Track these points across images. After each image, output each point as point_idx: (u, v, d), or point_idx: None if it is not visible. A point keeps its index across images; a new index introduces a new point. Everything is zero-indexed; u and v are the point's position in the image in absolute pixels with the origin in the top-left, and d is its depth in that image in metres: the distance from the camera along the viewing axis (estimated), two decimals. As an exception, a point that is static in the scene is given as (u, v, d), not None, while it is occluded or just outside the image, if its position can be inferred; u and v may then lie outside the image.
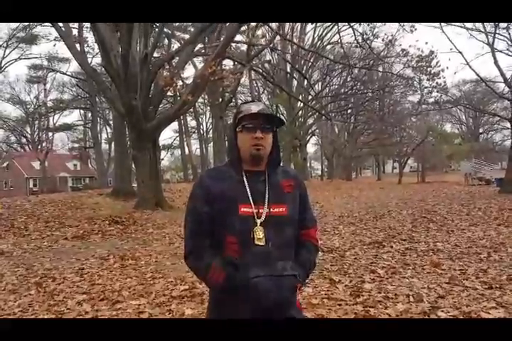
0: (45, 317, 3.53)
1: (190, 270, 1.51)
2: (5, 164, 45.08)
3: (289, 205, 1.47)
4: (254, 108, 1.46)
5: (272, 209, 1.42)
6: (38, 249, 7.02)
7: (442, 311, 3.22)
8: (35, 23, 20.71)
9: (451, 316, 3.10)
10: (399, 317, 2.96)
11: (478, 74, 16.42)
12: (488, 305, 3.30)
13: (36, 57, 35.53)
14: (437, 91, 14.88)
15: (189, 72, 47.22)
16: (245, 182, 1.44)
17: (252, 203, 1.41)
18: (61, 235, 8.18)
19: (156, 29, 12.12)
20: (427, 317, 3.13)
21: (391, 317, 3.15)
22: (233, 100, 28.76)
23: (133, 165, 14.90)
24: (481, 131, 52.01)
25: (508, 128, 23.27)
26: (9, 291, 4.43)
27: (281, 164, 1.58)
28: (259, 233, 1.38)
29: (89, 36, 14.70)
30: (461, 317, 3.08)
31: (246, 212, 1.40)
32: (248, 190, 1.43)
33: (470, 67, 15.62)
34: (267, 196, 1.43)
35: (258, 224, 1.39)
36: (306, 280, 1.61)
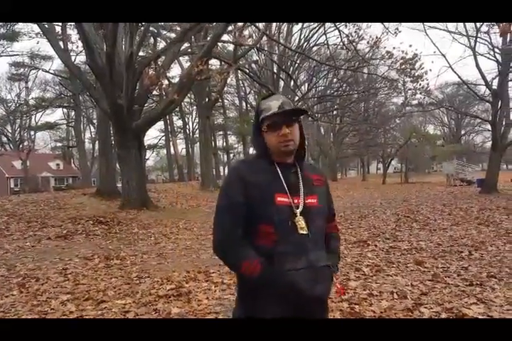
0: (29, 317, 3.46)
1: (219, 259, 1.50)
2: (-15, 163, 43.91)
3: (320, 198, 1.51)
4: (274, 104, 1.46)
5: (306, 200, 1.45)
6: (20, 249, 6.86)
7: (425, 307, 3.29)
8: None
9: (434, 312, 3.18)
10: (398, 318, 2.98)
11: (460, 77, 16.78)
12: (469, 301, 3.39)
13: (18, 55, 34.75)
14: (421, 94, 15.11)
15: (175, 72, 46.94)
16: (279, 172, 1.46)
17: (288, 193, 1.42)
18: (44, 235, 8.02)
19: (142, 28, 11.99)
20: (410, 313, 3.20)
21: (376, 313, 3.21)
22: (220, 100, 28.73)
23: (117, 165, 14.74)
24: (462, 132, 53.12)
25: (489, 130, 23.83)
26: (-10, 292, 4.33)
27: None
28: (301, 222, 1.40)
29: (73, 34, 14.50)
30: (443, 316, 3.15)
31: (282, 201, 1.41)
32: (283, 180, 1.44)
33: (452, 69, 16.01)
34: (301, 187, 1.46)
35: (299, 214, 1.41)
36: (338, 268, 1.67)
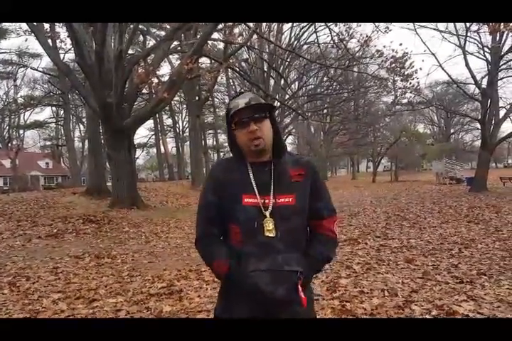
0: (20, 316, 3.45)
1: (199, 255, 1.54)
2: (-28, 162, 43.22)
3: (298, 195, 1.43)
4: (241, 102, 1.42)
5: (277, 200, 1.40)
6: (10, 248, 6.82)
7: (416, 305, 3.31)
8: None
9: (425, 309, 3.20)
10: (398, 318, 3.01)
11: (450, 76, 16.94)
12: (460, 299, 3.42)
13: (6, 52, 34.27)
14: (411, 92, 15.24)
15: (165, 70, 46.64)
16: (250, 173, 1.44)
17: (256, 194, 1.40)
18: (34, 234, 7.97)
19: (131, 26, 11.88)
20: (401, 310, 3.22)
21: (367, 310, 3.23)
22: (210, 98, 28.62)
23: (107, 164, 14.61)
24: (452, 131, 53.77)
25: (478, 129, 24.13)
26: (-20, 291, 4.29)
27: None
28: (269, 224, 1.37)
29: (62, 31, 14.31)
30: (433, 313, 3.17)
31: (250, 202, 1.39)
32: (253, 180, 1.42)
33: (442, 68, 16.13)
34: (272, 186, 1.42)
35: (268, 216, 1.37)
36: (315, 275, 1.55)
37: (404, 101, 17.82)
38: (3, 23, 26.54)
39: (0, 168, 41.81)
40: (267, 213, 1.38)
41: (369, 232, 7.40)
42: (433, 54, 15.78)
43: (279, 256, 1.37)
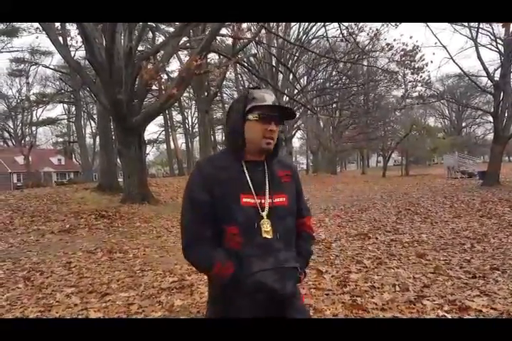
0: (34, 309, 3.53)
1: (189, 262, 1.43)
2: (-13, 159, 43.98)
3: (289, 195, 1.45)
4: (269, 98, 1.40)
5: (274, 200, 1.39)
6: (25, 243, 6.94)
7: (428, 300, 3.30)
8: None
9: (437, 304, 3.19)
10: (398, 318, 3.00)
11: (461, 69, 16.67)
12: (472, 294, 3.39)
13: (18, 51, 34.71)
14: (421, 86, 15.05)
15: (174, 66, 46.69)
16: (246, 172, 1.39)
17: (254, 193, 1.36)
18: (47, 229, 8.09)
19: (141, 22, 11.88)
20: (412, 305, 3.21)
21: (378, 305, 3.22)
22: (219, 94, 28.60)
23: (118, 160, 14.73)
24: (463, 124, 53.02)
25: (491, 122, 23.73)
26: (-3, 285, 4.40)
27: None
28: (266, 225, 1.35)
29: (72, 29, 14.40)
30: (445, 308, 3.16)
31: (248, 202, 1.35)
32: (249, 180, 1.38)
33: (454, 61, 15.88)
34: (267, 186, 1.40)
35: (265, 217, 1.35)
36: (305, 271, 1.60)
37: (415, 94, 17.61)
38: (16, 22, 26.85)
39: (14, 164, 42.53)
40: (264, 214, 1.36)
41: (379, 227, 7.37)
42: (444, 46, 15.52)
43: (280, 254, 1.37)
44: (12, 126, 44.56)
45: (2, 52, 34.08)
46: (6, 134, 45.73)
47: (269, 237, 1.35)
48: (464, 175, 24.05)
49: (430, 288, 3.65)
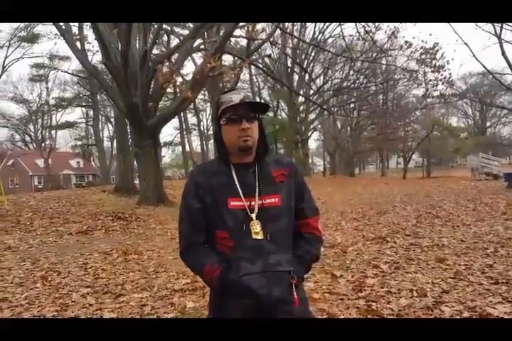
0: (51, 309, 3.59)
1: (186, 266, 1.49)
2: (10, 162, 45.46)
3: (283, 195, 1.41)
4: (236, 97, 1.38)
5: (264, 201, 1.37)
6: (43, 244, 7.08)
7: (446, 306, 3.15)
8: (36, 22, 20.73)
9: (456, 311, 3.04)
10: (398, 318, 2.90)
11: (484, 66, 16.21)
12: (494, 300, 3.23)
13: (38, 56, 35.75)
14: (442, 84, 14.67)
15: (189, 69, 47.11)
16: (234, 175, 1.40)
17: (242, 196, 1.36)
18: (65, 230, 8.24)
19: (155, 26, 12.00)
20: (430, 312, 3.06)
21: (394, 311, 3.10)
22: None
23: (135, 163, 14.91)
24: (488, 124, 51.66)
25: (515, 122, 22.98)
26: (16, 284, 4.53)
27: (271, 153, 1.52)
28: (256, 227, 1.34)
29: (90, 34, 14.65)
30: (465, 314, 3.00)
31: (236, 205, 1.36)
32: (237, 183, 1.39)
33: (476, 58, 15.43)
34: (257, 188, 1.39)
35: (254, 218, 1.35)
36: (306, 275, 1.53)
37: (436, 93, 17.22)
38: (35, 28, 27.65)
39: (35, 167, 43.80)
40: (253, 215, 1.36)
41: (398, 230, 7.16)
42: (466, 43, 15.09)
43: (271, 257, 1.35)
44: (33, 130, 45.90)
45: (23, 58, 35.23)
46: (27, 138, 47.10)
47: (260, 238, 1.34)
48: (489, 177, 23.32)
49: (449, 293, 3.49)
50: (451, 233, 6.67)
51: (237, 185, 1.38)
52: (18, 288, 4.37)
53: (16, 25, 28.98)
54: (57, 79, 41.84)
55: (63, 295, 4.01)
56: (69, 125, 42.61)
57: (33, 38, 30.72)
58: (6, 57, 34.98)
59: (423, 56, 12.40)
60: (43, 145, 44.42)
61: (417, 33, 21.62)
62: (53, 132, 43.96)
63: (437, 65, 12.65)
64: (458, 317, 2.91)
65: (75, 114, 70.08)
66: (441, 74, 12.97)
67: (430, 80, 14.29)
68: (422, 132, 34.40)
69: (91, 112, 41.08)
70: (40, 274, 4.92)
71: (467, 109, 51.56)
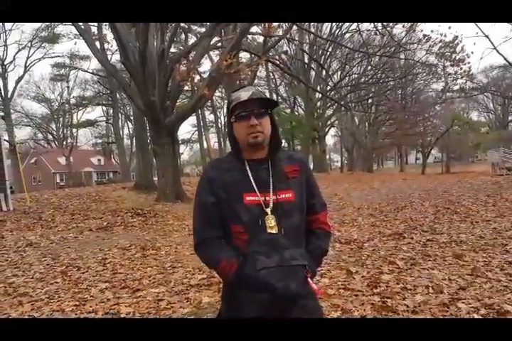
0: (70, 303, 3.69)
1: (201, 261, 1.51)
2: (33, 160, 46.66)
3: (296, 191, 1.44)
4: (244, 94, 1.41)
5: (278, 196, 1.40)
6: (64, 240, 7.26)
7: (463, 303, 3.13)
8: (57, 23, 21.13)
9: (473, 308, 3.02)
10: (400, 318, 2.89)
11: (506, 59, 15.77)
12: (512, 297, 3.19)
13: (59, 56, 36.43)
14: (462, 78, 14.35)
15: (206, 67, 47.23)
16: (248, 171, 1.42)
17: (257, 191, 1.39)
18: (86, 227, 8.43)
19: (173, 24, 12.11)
20: (446, 308, 3.06)
21: (409, 308, 3.10)
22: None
23: (154, 160, 15.14)
24: (510, 118, 50.09)
25: (539, 115, 22.27)
26: (37, 279, 4.66)
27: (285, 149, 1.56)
28: (270, 221, 1.37)
29: (109, 33, 14.88)
30: (482, 312, 2.99)
31: (252, 200, 1.38)
32: (252, 178, 1.41)
33: (497, 51, 15.07)
34: (271, 183, 1.41)
35: (269, 213, 1.37)
36: (318, 269, 1.57)
37: (456, 87, 16.91)
38: (56, 29, 28.22)
39: (56, 165, 44.87)
40: (268, 210, 1.38)
41: (415, 226, 7.09)
42: (486, 36, 14.73)
43: (286, 252, 1.37)
44: (54, 129, 46.85)
45: (44, 58, 36.03)
46: (50, 136, 48.15)
47: (275, 232, 1.37)
48: (510, 172, 22.72)
49: (466, 290, 3.46)
50: (469, 229, 6.57)
51: (252, 181, 1.40)
52: (38, 283, 4.49)
53: (37, 25, 29.70)
54: (77, 79, 42.78)
55: (82, 290, 4.11)
56: (89, 123, 43.42)
57: (53, 38, 31.37)
58: (28, 57, 35.91)
59: (442, 50, 12.13)
60: (64, 143, 45.42)
61: (435, 27, 21.18)
62: (74, 130, 44.79)
63: (457, 58, 12.35)
64: (475, 314, 2.90)
65: (95, 113, 71.60)
66: (461, 68, 12.65)
67: (450, 74, 14.04)
68: (441, 127, 33.71)
69: (111, 110, 41.74)
70: (60, 269, 5.05)
71: (488, 103, 50.20)
